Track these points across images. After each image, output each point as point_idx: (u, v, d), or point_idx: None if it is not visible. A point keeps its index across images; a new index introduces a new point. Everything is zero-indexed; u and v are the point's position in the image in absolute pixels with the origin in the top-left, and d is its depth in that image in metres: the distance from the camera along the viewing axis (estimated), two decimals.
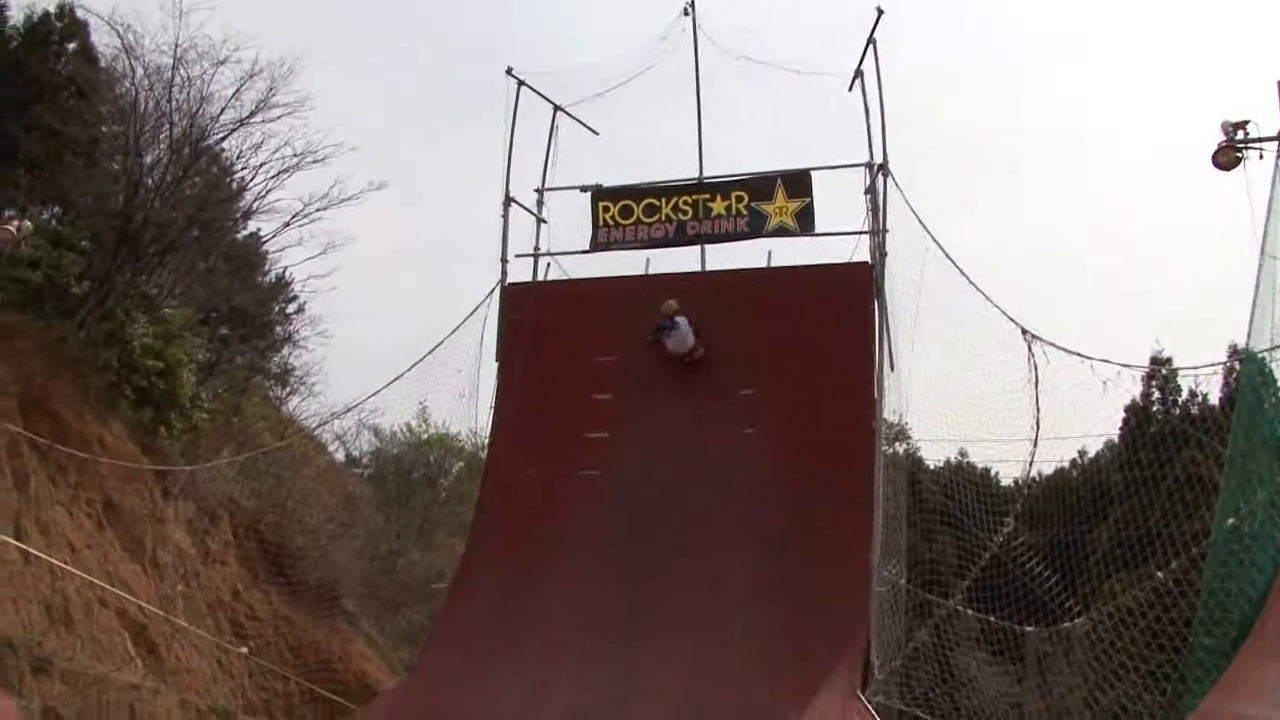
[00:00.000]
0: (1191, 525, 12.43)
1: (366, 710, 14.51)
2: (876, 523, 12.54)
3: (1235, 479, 11.42)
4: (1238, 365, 12.53)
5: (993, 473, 16.43)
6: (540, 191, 15.83)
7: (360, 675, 17.49)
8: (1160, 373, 20.64)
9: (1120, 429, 19.17)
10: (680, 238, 15.29)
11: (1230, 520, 11.37)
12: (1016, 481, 13.60)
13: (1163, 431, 17.80)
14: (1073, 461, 21.67)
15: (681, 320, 13.80)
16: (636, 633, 11.74)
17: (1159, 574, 12.49)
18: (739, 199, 14.99)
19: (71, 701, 12.45)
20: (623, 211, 15.31)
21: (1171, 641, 11.70)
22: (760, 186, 14.99)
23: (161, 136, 16.68)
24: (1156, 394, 21.65)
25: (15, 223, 15.11)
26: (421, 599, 19.45)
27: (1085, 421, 13.42)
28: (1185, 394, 21.27)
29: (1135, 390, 19.93)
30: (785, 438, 13.12)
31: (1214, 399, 17.04)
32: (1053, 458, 15.58)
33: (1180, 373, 20.39)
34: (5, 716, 10.42)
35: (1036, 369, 12.97)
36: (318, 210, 18.68)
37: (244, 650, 15.70)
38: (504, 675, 11.56)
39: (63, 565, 13.41)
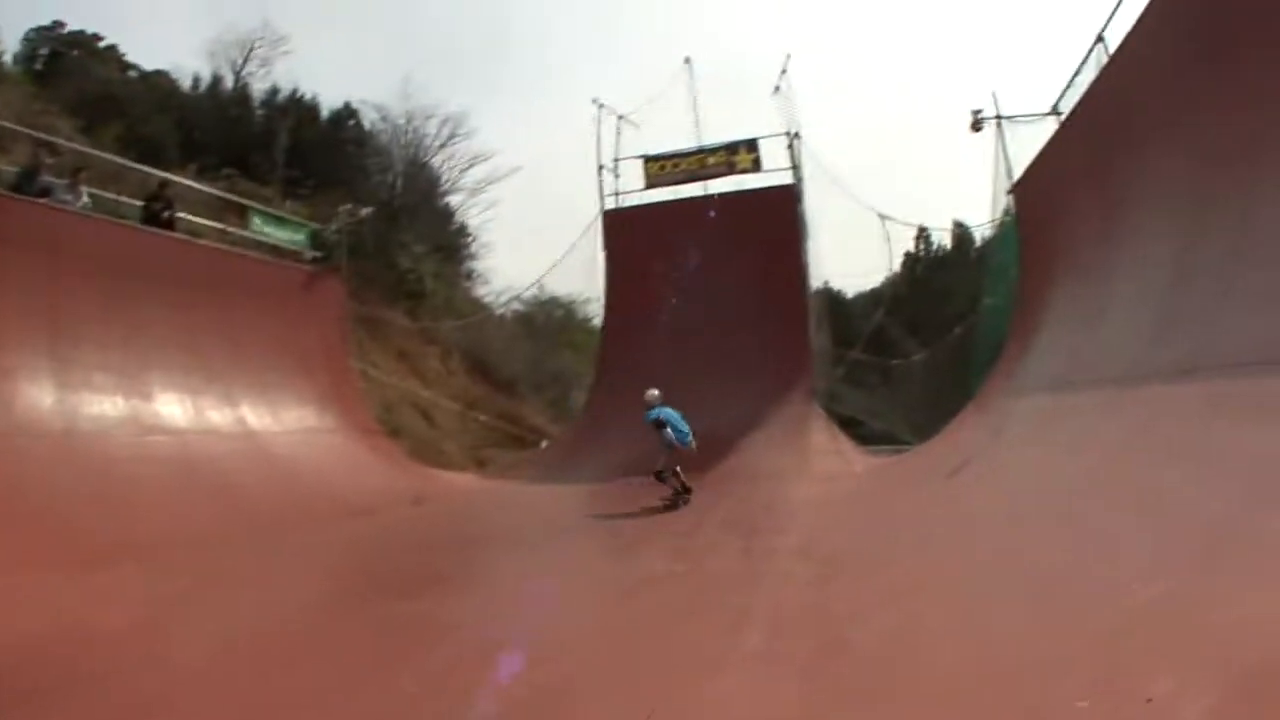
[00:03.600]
0: (959, 307, 24.47)
1: (553, 441, 27.44)
2: (810, 322, 24.40)
3: (992, 280, 22.79)
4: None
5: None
6: (616, 161, 27.61)
7: (536, 428, 30.61)
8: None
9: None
10: (692, 178, 26.65)
11: (988, 300, 22.95)
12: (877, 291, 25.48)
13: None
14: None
15: (663, 412, 15.22)
16: (694, 383, 19.16)
17: (956, 330, 24.49)
18: (723, 155, 26.22)
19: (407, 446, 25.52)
20: (660, 167, 26.67)
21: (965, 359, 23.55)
22: (733, 148, 26.35)
23: (399, 158, 30.32)
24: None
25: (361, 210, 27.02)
26: (571, 386, 32.56)
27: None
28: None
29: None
30: (759, 286, 24.38)
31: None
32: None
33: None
34: (392, 452, 23.15)
35: (887, 230, 24.78)
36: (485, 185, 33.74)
37: (480, 417, 28.69)
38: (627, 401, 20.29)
39: (386, 380, 26.25)
